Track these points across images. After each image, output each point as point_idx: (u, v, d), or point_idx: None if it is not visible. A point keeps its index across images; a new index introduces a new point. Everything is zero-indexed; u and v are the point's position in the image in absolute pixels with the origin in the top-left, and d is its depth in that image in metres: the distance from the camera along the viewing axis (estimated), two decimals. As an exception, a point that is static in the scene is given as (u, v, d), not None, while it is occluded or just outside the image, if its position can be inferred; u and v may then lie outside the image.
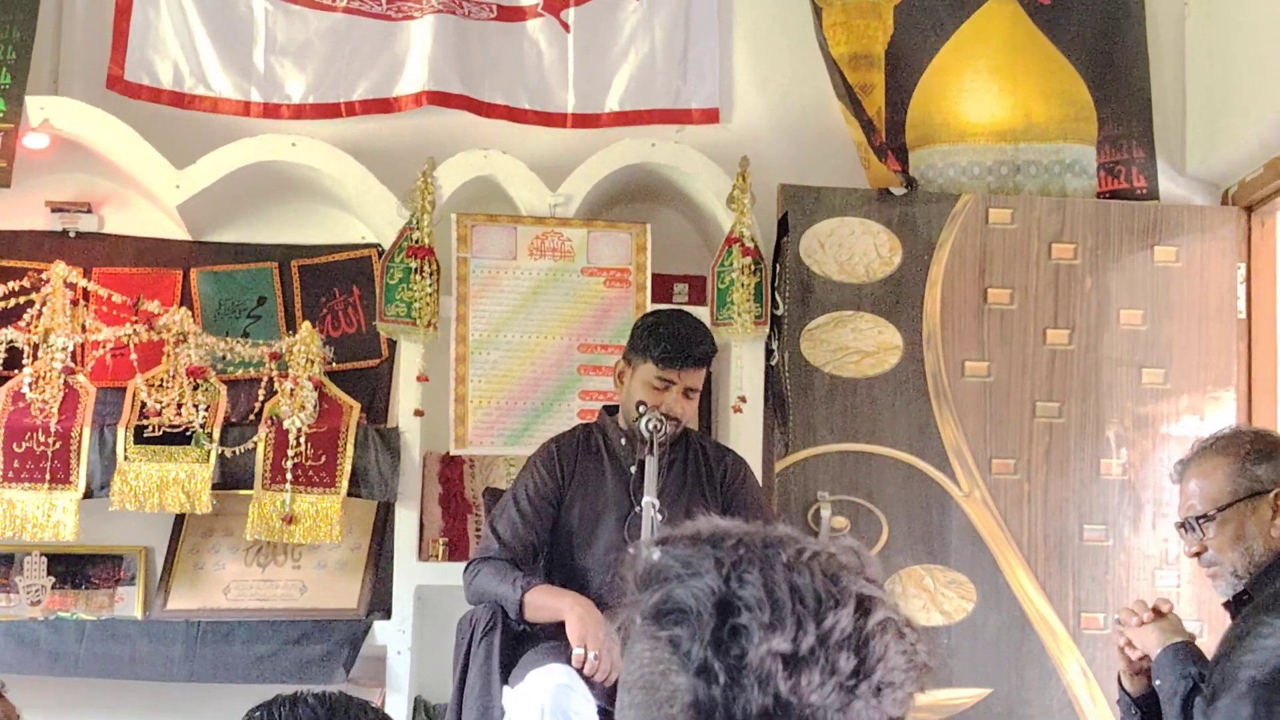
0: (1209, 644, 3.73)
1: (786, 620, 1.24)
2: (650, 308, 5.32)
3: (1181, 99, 5.98)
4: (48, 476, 5.22)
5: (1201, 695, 3.56)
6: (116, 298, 5.46)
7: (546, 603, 4.48)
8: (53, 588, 5.55)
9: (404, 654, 5.38)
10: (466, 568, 4.78)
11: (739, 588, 1.26)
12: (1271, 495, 3.68)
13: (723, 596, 1.26)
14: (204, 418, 5.32)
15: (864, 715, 1.25)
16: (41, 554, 5.53)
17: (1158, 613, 3.82)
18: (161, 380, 5.35)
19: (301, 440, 5.33)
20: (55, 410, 5.26)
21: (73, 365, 5.34)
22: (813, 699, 1.23)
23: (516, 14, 5.89)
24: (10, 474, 5.21)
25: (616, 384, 4.87)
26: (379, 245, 5.67)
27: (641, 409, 4.61)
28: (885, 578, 4.96)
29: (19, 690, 4.65)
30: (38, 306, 5.35)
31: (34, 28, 5.50)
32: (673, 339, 4.63)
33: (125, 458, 5.27)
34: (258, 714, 2.40)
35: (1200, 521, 3.74)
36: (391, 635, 5.39)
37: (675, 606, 1.28)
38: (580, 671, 4.33)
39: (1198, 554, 3.78)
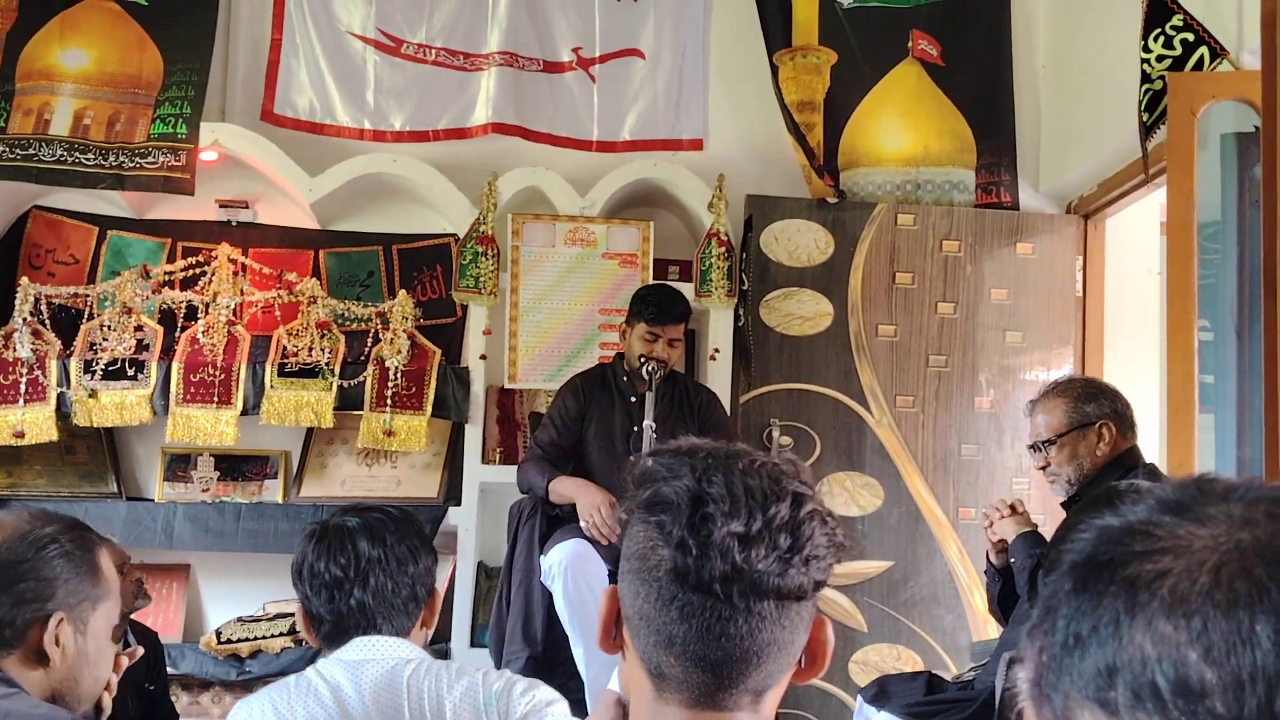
0: (1049, 530, 3.76)
1: (741, 510, 1.26)
2: (649, 283, 5.33)
3: (1037, 135, 5.98)
4: (215, 398, 5.24)
5: (1044, 567, 3.58)
6: (266, 270, 5.48)
7: (564, 489, 4.58)
8: (218, 480, 5.58)
9: (470, 531, 5.41)
10: (519, 466, 4.85)
11: (708, 486, 1.28)
12: (1097, 425, 3.69)
13: (695, 492, 1.28)
14: (328, 358, 5.34)
15: (796, 579, 1.27)
16: (210, 454, 5.55)
17: (1013, 509, 3.84)
18: (297, 331, 5.36)
19: (398, 376, 5.35)
20: (221, 351, 5.27)
21: (234, 319, 5.35)
22: (759, 567, 1.26)
23: (558, 68, 5.87)
24: (188, 396, 5.23)
25: (621, 339, 4.98)
26: (455, 235, 5.66)
27: (642, 359, 4.70)
28: (816, 481, 5.00)
29: (195, 562, 4.69)
30: (209, 276, 5.37)
31: (208, 72, 5.50)
32: (657, 304, 4.78)
33: (271, 386, 5.28)
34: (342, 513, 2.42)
35: (1045, 445, 3.75)
36: (461, 517, 5.41)
37: (661, 499, 1.30)
38: (591, 540, 4.41)
39: (1043, 468, 3.80)
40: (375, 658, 2.25)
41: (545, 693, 2.24)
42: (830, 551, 1.30)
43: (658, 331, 4.74)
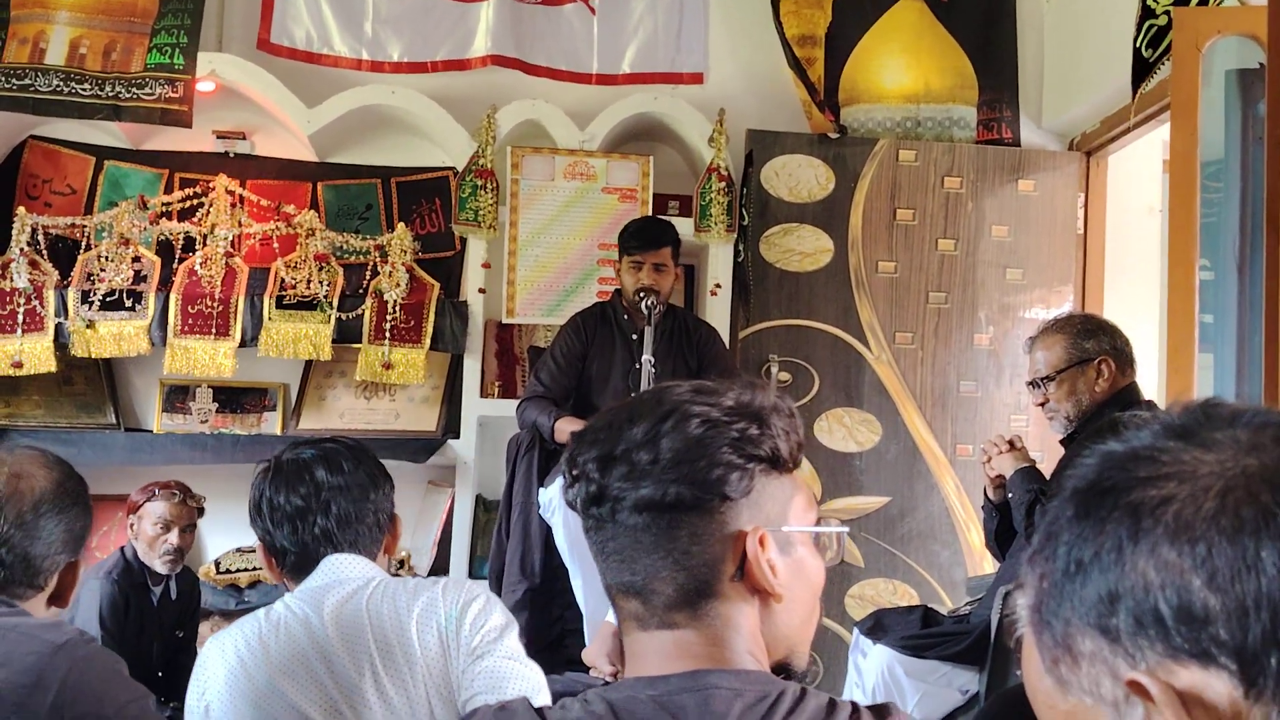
0: (1047, 467, 3.76)
1: (602, 437, 1.33)
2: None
3: (1040, 72, 5.94)
4: (213, 330, 5.23)
5: (1041, 503, 3.59)
6: (264, 202, 5.44)
7: (569, 428, 4.54)
8: (216, 411, 5.57)
9: (469, 464, 5.41)
10: (519, 404, 4.85)
11: (594, 424, 1.37)
12: (1096, 361, 3.68)
13: (578, 432, 1.39)
14: (326, 291, 5.32)
15: (657, 489, 1.29)
16: (208, 386, 5.55)
17: (1011, 445, 3.84)
18: (296, 263, 5.33)
19: (397, 308, 5.33)
20: (219, 283, 5.25)
21: (232, 250, 5.33)
22: (617, 484, 1.30)
23: (557, 0, 5.82)
24: (186, 328, 5.21)
25: (617, 276, 4.94)
26: (454, 168, 5.63)
27: (636, 293, 4.69)
28: (814, 417, 4.99)
29: (193, 476, 4.70)
30: (206, 207, 5.34)
31: (203, 4, 5.43)
32: (636, 233, 4.84)
33: (269, 318, 5.27)
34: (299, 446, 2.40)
35: (1044, 381, 3.75)
36: (460, 450, 5.42)
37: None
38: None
39: (1042, 404, 3.79)
40: (339, 579, 2.23)
41: (498, 618, 2.21)
42: (704, 452, 1.29)
43: (640, 259, 4.76)
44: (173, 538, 4.37)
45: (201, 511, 4.55)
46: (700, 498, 1.29)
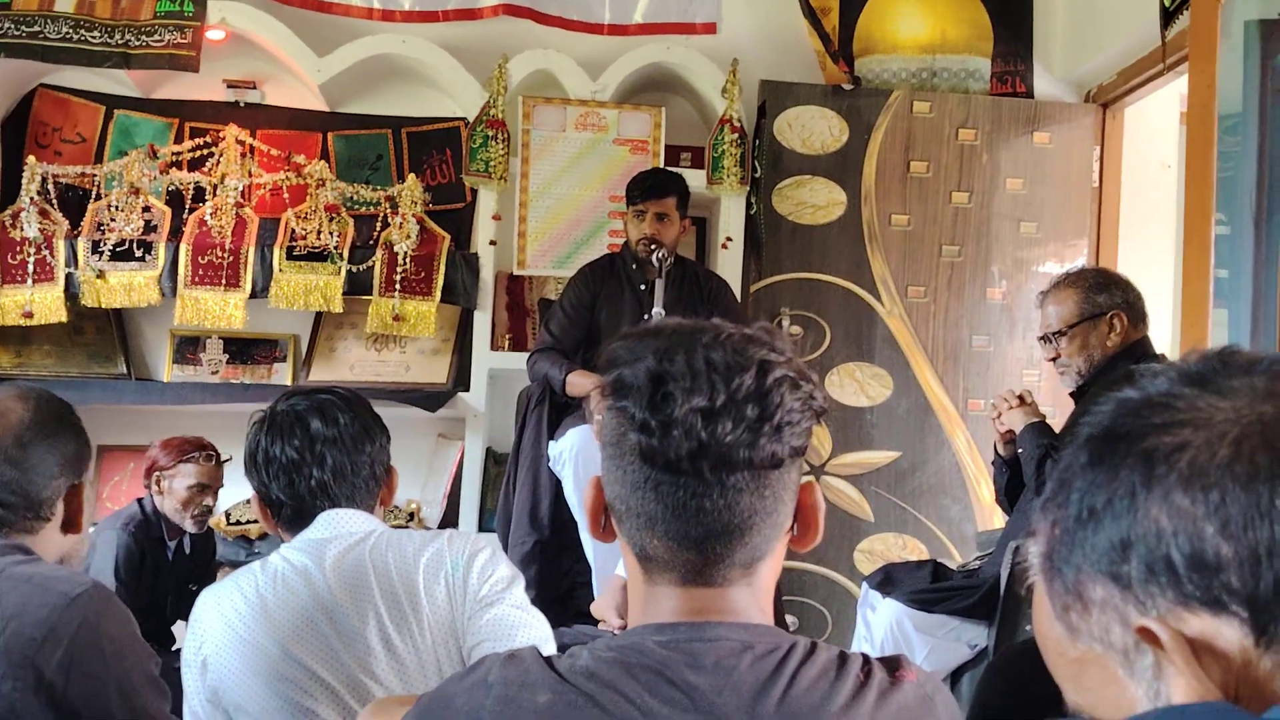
0: (1058, 423, 3.76)
1: (703, 385, 1.25)
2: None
3: (1056, 24, 5.89)
4: (224, 281, 5.23)
5: (1052, 458, 3.58)
6: (274, 152, 5.42)
7: (581, 382, 4.54)
8: (227, 362, 5.57)
9: (479, 416, 5.42)
10: (529, 356, 4.85)
11: (668, 365, 1.27)
12: (1108, 315, 3.67)
13: (655, 372, 1.27)
14: (336, 242, 5.31)
15: (768, 448, 1.27)
16: (219, 337, 5.55)
17: (1021, 400, 3.84)
18: (306, 214, 5.33)
19: (407, 260, 5.33)
20: (229, 233, 5.25)
21: (242, 200, 5.32)
22: (727, 439, 1.25)
23: (569, -51, 5.78)
24: (196, 278, 5.21)
25: (625, 229, 4.94)
26: (465, 118, 5.60)
27: (641, 244, 4.75)
28: (826, 371, 4.99)
29: (204, 425, 4.72)
30: (217, 157, 5.33)
31: (213, -51, 5.41)
32: (637, 183, 4.84)
33: (279, 269, 5.26)
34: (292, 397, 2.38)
35: (1055, 336, 3.74)
36: (470, 403, 5.42)
37: (623, 384, 1.29)
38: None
39: (1054, 359, 3.79)
40: (339, 534, 2.22)
41: (505, 569, 2.20)
42: (804, 415, 1.30)
43: (643, 208, 4.77)
44: (208, 500, 4.40)
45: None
46: (799, 450, 1.31)
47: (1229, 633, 0.77)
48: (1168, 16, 4.42)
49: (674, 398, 1.26)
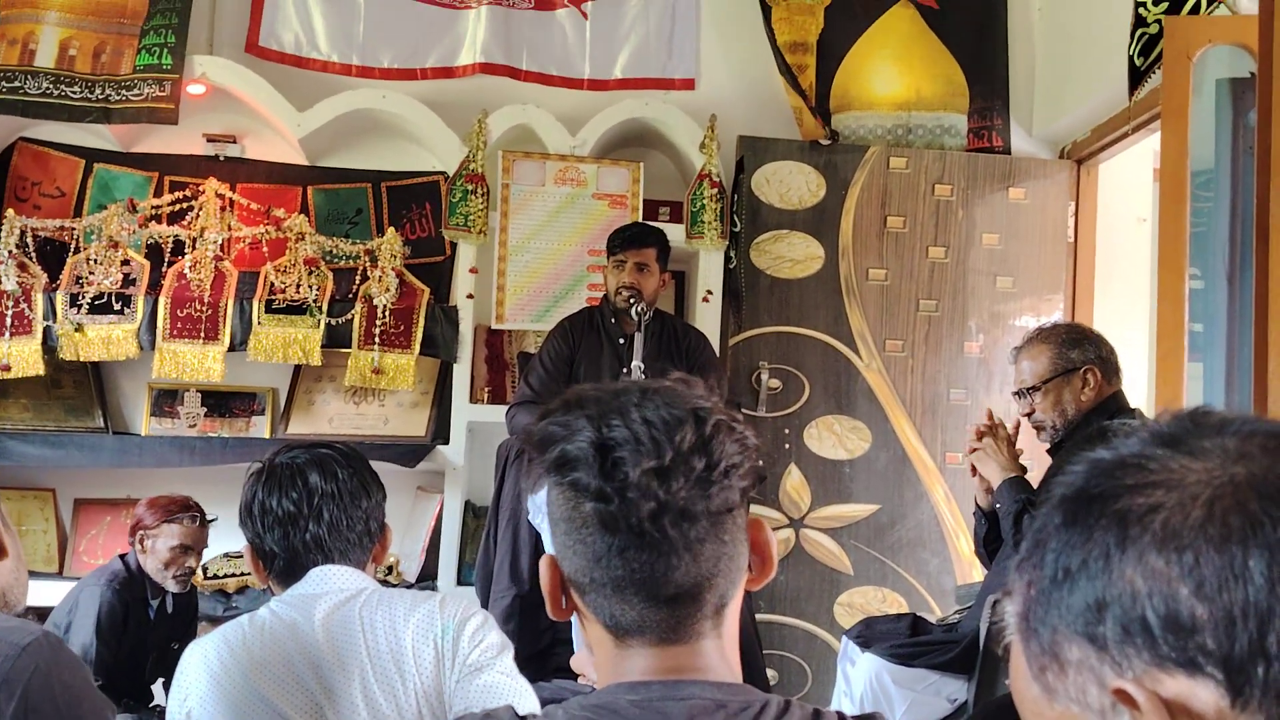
0: (1035, 478, 3.76)
1: (647, 446, 1.25)
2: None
3: (1032, 81, 5.95)
4: (202, 334, 5.22)
5: (1029, 513, 3.58)
6: (254, 205, 5.43)
7: None
8: (205, 415, 5.55)
9: (459, 469, 5.41)
10: (509, 410, 4.85)
11: (609, 432, 1.26)
12: (1082, 370, 3.69)
13: (599, 442, 1.26)
14: (316, 295, 5.31)
15: (720, 496, 1.27)
16: (197, 390, 5.53)
17: (991, 424, 3.85)
18: (285, 267, 5.32)
19: (386, 313, 5.33)
20: (208, 286, 5.24)
21: (221, 254, 5.32)
22: (683, 495, 1.25)
23: (549, 4, 5.81)
24: (175, 331, 5.20)
25: (604, 281, 4.97)
26: (445, 172, 5.62)
27: (620, 293, 4.79)
28: (805, 425, 4.99)
29: (181, 481, 4.68)
30: (196, 210, 5.33)
31: (190, 4, 5.43)
32: (618, 233, 4.91)
33: (258, 322, 5.26)
34: (292, 450, 2.37)
35: (1030, 391, 3.75)
36: (449, 456, 5.41)
37: (568, 459, 1.28)
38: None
39: (1029, 414, 3.79)
40: (330, 590, 2.22)
41: (495, 636, 2.20)
42: (745, 456, 1.30)
43: (622, 257, 4.82)
44: (191, 561, 4.34)
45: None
46: (746, 490, 1.31)
47: (1205, 694, 0.77)
48: (1138, 75, 4.47)
49: (624, 461, 1.25)
